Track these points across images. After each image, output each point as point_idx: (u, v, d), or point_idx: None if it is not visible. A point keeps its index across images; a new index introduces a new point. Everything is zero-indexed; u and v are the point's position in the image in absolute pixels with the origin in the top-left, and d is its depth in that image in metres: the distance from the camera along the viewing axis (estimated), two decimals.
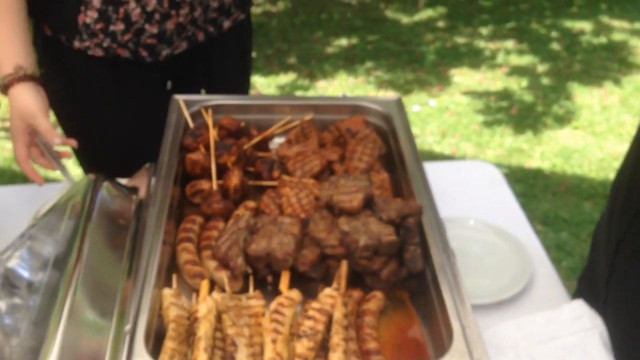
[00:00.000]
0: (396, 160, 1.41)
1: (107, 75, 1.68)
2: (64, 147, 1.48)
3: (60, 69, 1.66)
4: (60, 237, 1.20)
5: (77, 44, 1.61)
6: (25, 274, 1.16)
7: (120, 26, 1.59)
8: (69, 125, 1.78)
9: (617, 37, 5.20)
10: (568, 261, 2.91)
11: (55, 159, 1.49)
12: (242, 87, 1.98)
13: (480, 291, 1.33)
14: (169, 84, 1.81)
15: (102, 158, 1.79)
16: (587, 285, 1.30)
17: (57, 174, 3.42)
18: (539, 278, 1.40)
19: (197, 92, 1.84)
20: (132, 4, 1.56)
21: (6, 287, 1.14)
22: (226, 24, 1.76)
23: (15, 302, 1.11)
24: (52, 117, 1.58)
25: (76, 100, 1.72)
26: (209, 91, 1.84)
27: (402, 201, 1.24)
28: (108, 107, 1.74)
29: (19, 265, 1.17)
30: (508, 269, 1.41)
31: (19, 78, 1.43)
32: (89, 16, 1.57)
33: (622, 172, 1.31)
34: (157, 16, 1.60)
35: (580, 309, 1.23)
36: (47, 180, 1.68)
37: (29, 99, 1.43)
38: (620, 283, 1.22)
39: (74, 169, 2.34)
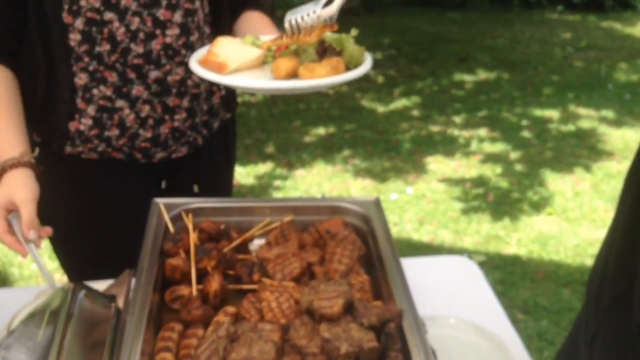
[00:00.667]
0: (375, 261, 1.42)
1: (100, 177, 1.71)
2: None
3: (49, 172, 1.67)
4: (36, 346, 1.18)
5: (68, 149, 1.65)
6: None
7: (115, 132, 1.64)
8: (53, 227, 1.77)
9: (585, 124, 5.39)
10: (550, 350, 2.90)
11: (34, 255, 1.45)
12: (227, 181, 2.02)
13: None
14: (163, 184, 1.84)
15: (86, 260, 1.78)
16: None
17: (33, 270, 3.36)
18: None
19: (191, 190, 1.87)
20: (127, 111, 1.62)
21: None
22: (215, 124, 1.82)
23: None
24: None
25: (62, 203, 1.71)
26: (201, 188, 1.88)
27: (383, 305, 1.24)
28: (99, 208, 1.75)
29: None
30: None
31: (23, 163, 1.44)
32: (83, 123, 1.61)
33: (595, 263, 1.33)
34: (150, 121, 1.66)
35: None
36: (23, 279, 1.67)
37: (27, 183, 1.43)
38: None
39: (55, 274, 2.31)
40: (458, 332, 1.51)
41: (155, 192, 1.69)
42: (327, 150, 4.97)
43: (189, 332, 1.26)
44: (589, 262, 3.50)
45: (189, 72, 1.64)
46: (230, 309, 1.31)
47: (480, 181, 4.46)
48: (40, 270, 1.39)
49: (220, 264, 1.40)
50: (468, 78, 6.57)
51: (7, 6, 1.51)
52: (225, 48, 1.43)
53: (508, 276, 3.41)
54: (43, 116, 1.62)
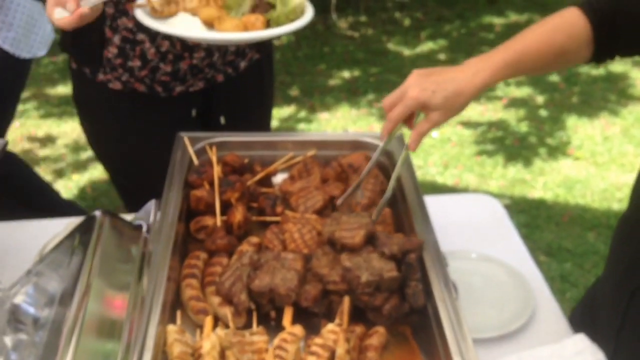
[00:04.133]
0: (398, 195, 1.43)
1: (126, 107, 1.78)
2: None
3: (88, 100, 1.76)
4: (66, 273, 1.22)
5: (100, 76, 1.71)
6: (31, 310, 1.17)
7: (137, 62, 1.68)
8: (106, 155, 1.94)
9: (616, 68, 5.24)
10: (572, 292, 2.91)
11: None
12: (261, 120, 2.05)
13: (482, 325, 1.34)
14: (193, 112, 1.88)
15: (134, 184, 1.91)
16: (589, 330, 1.29)
17: (62, 206, 3.43)
18: (541, 311, 1.40)
19: (218, 120, 1.91)
20: (147, 44, 1.65)
21: (12, 323, 1.16)
22: (242, 64, 1.84)
23: (22, 338, 1.13)
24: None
25: (107, 130, 1.84)
26: (228, 120, 1.91)
27: (404, 236, 1.25)
28: (133, 135, 1.82)
29: (25, 301, 1.19)
30: (510, 303, 1.41)
31: None
32: (110, 51, 1.67)
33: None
34: (170, 56, 1.69)
35: (582, 342, 1.24)
36: (55, 215, 1.71)
37: None
38: (636, 336, 1.22)
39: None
40: (480, 266, 1.52)
41: (188, 121, 1.77)
42: (351, 93, 4.92)
43: (213, 260, 1.29)
44: (616, 206, 3.47)
45: None
46: (254, 239, 1.34)
47: (506, 125, 4.40)
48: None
49: (244, 197, 1.42)
50: (497, 21, 6.40)
51: None
52: None
53: (533, 219, 3.39)
54: (77, 44, 1.68)
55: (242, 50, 1.81)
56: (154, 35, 1.65)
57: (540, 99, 4.75)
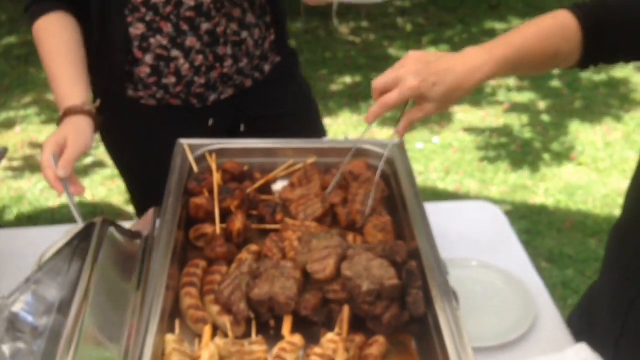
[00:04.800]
0: (398, 203, 1.42)
1: (159, 120, 1.80)
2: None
3: (112, 114, 1.73)
4: (65, 281, 1.21)
5: (130, 92, 1.75)
6: (29, 318, 1.16)
7: (172, 79, 1.73)
8: (128, 167, 1.97)
9: (618, 73, 5.24)
10: (574, 299, 2.90)
11: (67, 192, 1.49)
12: (313, 127, 2.02)
13: (482, 334, 1.33)
14: (210, 121, 1.89)
15: (157, 192, 1.92)
16: (587, 335, 1.29)
17: (65, 214, 3.44)
18: (542, 319, 1.40)
19: (238, 128, 1.93)
20: (182, 60, 1.70)
21: (10, 331, 1.15)
22: (266, 67, 1.88)
23: (20, 347, 1.12)
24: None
25: (135, 143, 1.87)
26: (247, 128, 1.92)
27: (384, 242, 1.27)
28: (162, 146, 1.78)
29: (23, 309, 1.18)
30: (511, 311, 1.40)
31: (84, 111, 1.49)
32: (142, 71, 1.70)
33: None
34: (203, 69, 1.74)
35: (584, 352, 1.23)
36: (54, 221, 1.71)
37: (83, 129, 1.48)
38: (636, 345, 1.21)
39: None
40: (480, 275, 1.51)
41: (204, 131, 1.79)
42: (353, 99, 4.92)
43: (213, 268, 1.28)
44: (618, 212, 3.44)
45: (232, 22, 1.72)
46: (253, 247, 1.33)
47: (507, 131, 4.39)
48: (71, 206, 1.42)
49: (244, 204, 1.42)
50: (499, 26, 6.40)
51: None
52: None
53: (534, 226, 3.38)
54: (99, 62, 1.69)
55: (265, 54, 1.85)
56: (187, 50, 1.69)
57: (542, 105, 4.75)
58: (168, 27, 1.66)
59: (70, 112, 1.48)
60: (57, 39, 1.57)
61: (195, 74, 1.73)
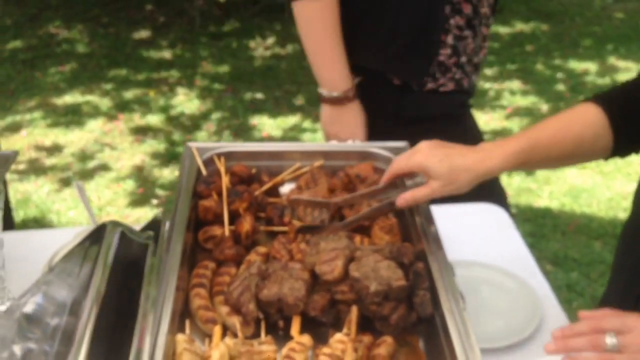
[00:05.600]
0: None
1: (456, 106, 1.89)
2: None
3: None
4: (76, 283, 1.22)
5: (430, 85, 1.79)
6: (41, 319, 1.18)
7: (463, 58, 1.79)
8: None
9: (623, 77, 5.24)
10: (579, 302, 2.90)
11: (82, 195, 1.51)
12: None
13: (489, 335, 1.34)
14: None
15: None
16: None
17: (71, 216, 3.46)
18: (548, 321, 1.40)
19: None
20: (470, 39, 1.77)
21: (22, 332, 1.16)
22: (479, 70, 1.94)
23: (31, 347, 1.13)
24: None
25: None
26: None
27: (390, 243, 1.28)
28: None
29: (34, 310, 1.20)
30: (517, 312, 1.41)
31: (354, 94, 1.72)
32: (442, 54, 1.75)
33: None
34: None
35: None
36: (60, 224, 1.73)
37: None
38: None
39: None
40: (487, 276, 1.52)
41: None
42: None
43: (222, 270, 1.29)
44: (622, 215, 3.46)
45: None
46: (262, 249, 1.34)
47: (510, 134, 4.40)
48: (86, 208, 1.44)
49: (252, 207, 1.43)
50: (503, 30, 6.41)
51: None
52: None
53: (538, 228, 3.39)
54: (406, 58, 1.76)
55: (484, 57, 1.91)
56: (477, 29, 1.75)
57: (545, 108, 4.76)
58: (468, 8, 1.72)
59: (349, 96, 1.69)
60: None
61: (474, 53, 1.81)
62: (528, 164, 1.22)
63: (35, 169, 4.10)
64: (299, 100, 4.97)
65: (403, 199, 1.25)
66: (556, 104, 4.81)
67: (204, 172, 1.50)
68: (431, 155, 1.20)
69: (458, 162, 1.19)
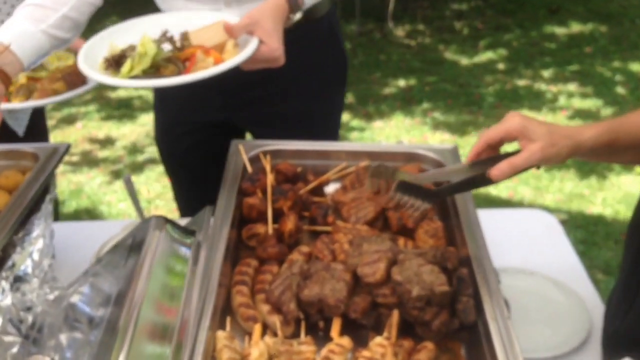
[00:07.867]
0: (450, 209, 1.41)
1: None
2: None
3: None
4: (121, 275, 1.25)
5: None
6: (87, 309, 1.20)
7: None
8: None
9: None
10: None
11: (131, 189, 1.53)
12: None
13: (534, 345, 1.31)
14: None
15: None
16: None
17: (121, 208, 3.54)
18: (597, 332, 1.36)
19: None
20: None
21: (68, 321, 1.19)
22: None
23: (77, 337, 1.16)
24: None
25: None
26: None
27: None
28: None
29: (81, 300, 1.22)
30: (565, 323, 1.38)
31: None
32: None
33: None
34: None
35: None
36: (110, 215, 1.77)
37: None
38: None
39: None
40: (533, 284, 1.48)
41: None
42: (406, 102, 4.89)
43: (264, 268, 1.30)
44: None
45: None
46: (304, 248, 1.34)
47: None
48: (133, 203, 1.46)
49: (296, 205, 1.43)
50: (560, 31, 6.26)
51: None
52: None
53: (590, 236, 3.30)
54: None
55: None
56: None
57: (604, 111, 4.62)
58: None
59: None
60: None
61: None
62: (615, 144, 1.15)
63: (88, 161, 4.20)
64: (349, 99, 4.96)
65: (498, 169, 1.12)
66: (618, 107, 4.66)
67: (249, 169, 1.50)
68: (525, 119, 1.12)
69: (556, 128, 1.12)
